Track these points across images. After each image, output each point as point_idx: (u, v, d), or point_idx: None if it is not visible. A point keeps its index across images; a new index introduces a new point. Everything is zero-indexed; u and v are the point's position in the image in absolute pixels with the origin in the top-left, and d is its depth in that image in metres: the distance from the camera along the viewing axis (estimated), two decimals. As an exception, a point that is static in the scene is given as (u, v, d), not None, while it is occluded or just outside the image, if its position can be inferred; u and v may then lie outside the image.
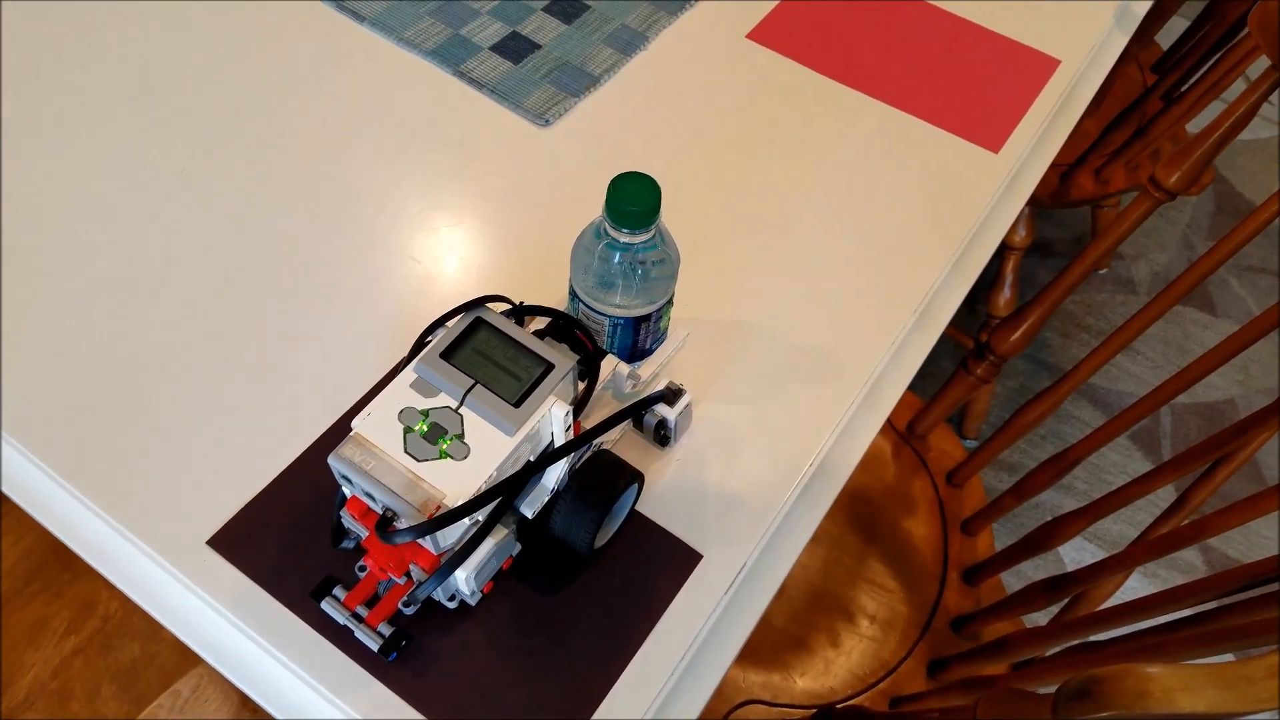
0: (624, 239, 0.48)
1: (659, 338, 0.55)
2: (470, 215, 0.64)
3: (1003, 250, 1.30)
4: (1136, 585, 1.29)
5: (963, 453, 0.89)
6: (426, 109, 0.69)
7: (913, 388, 1.45)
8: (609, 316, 0.51)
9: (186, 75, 0.69)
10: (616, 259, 0.49)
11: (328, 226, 0.62)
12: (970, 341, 1.48)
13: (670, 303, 0.53)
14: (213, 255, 0.60)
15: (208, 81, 0.69)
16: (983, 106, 0.72)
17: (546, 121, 0.69)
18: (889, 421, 0.90)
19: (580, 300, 0.52)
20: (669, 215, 0.65)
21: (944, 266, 0.63)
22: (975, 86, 0.74)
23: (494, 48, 0.74)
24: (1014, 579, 1.29)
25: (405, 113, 0.69)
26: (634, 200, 0.46)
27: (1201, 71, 1.05)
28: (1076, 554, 1.32)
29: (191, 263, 0.59)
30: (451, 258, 0.61)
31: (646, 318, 0.52)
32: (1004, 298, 1.32)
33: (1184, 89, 1.07)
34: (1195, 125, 1.73)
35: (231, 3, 0.73)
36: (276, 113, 0.67)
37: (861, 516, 0.83)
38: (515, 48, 0.74)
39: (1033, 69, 0.75)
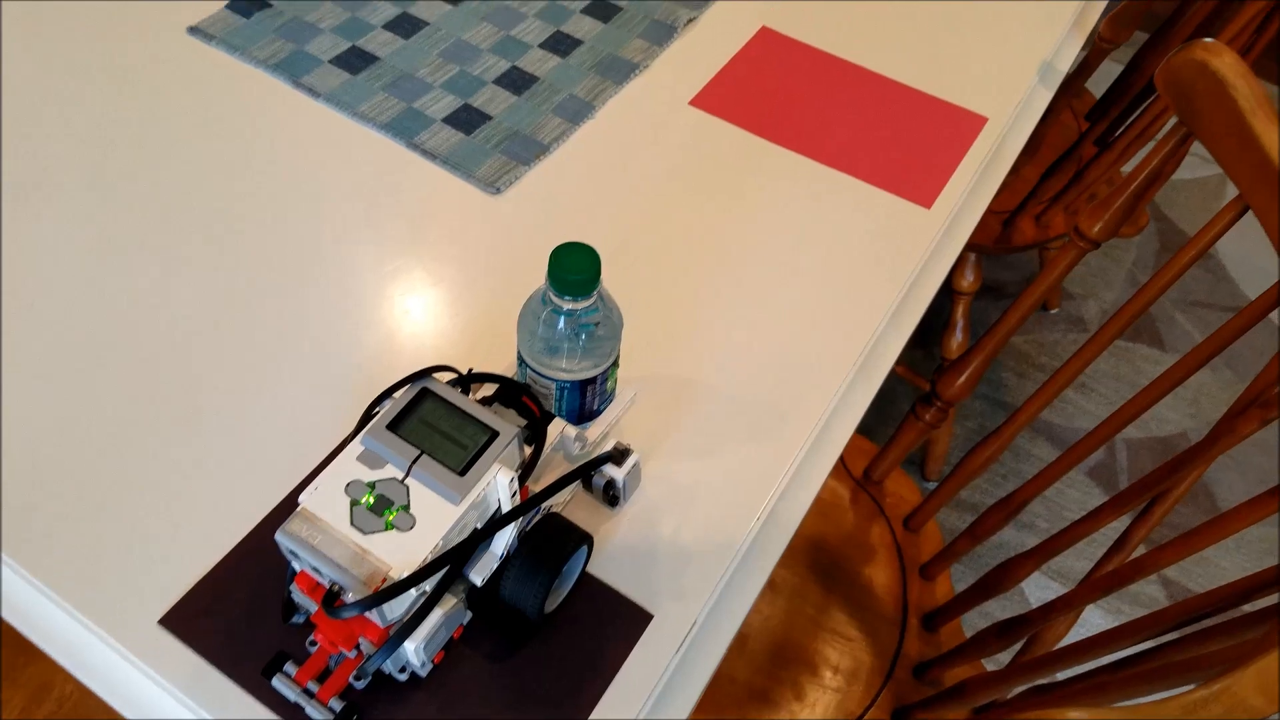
0: (567, 306, 0.50)
1: (606, 399, 0.57)
2: (424, 284, 0.65)
3: (953, 296, 1.34)
4: (1100, 621, 1.31)
5: (919, 497, 0.91)
6: (381, 181, 0.71)
7: (874, 433, 1.47)
8: (556, 380, 0.53)
9: (139, 152, 0.70)
10: (561, 324, 0.51)
11: (281, 298, 0.63)
12: (927, 385, 1.51)
13: (616, 364, 0.55)
14: (161, 331, 0.60)
15: (162, 157, 0.70)
16: (914, 164, 0.75)
17: (498, 190, 0.71)
18: (846, 469, 0.92)
19: (528, 365, 0.53)
20: (616, 277, 0.66)
21: (883, 317, 0.66)
22: (907, 145, 0.77)
23: (446, 120, 0.76)
24: (982, 619, 1.30)
25: (359, 185, 0.70)
26: (574, 270, 0.48)
27: (1132, 118, 1.10)
28: (1041, 593, 1.33)
29: (139, 340, 0.60)
30: (405, 326, 0.62)
31: (592, 380, 0.53)
32: (956, 341, 1.35)
33: (1116, 134, 1.12)
34: (1131, 167, 1.80)
35: (188, 78, 0.75)
36: (230, 187, 0.69)
37: (821, 564, 0.84)
38: (467, 119, 0.76)
39: (961, 127, 0.79)
